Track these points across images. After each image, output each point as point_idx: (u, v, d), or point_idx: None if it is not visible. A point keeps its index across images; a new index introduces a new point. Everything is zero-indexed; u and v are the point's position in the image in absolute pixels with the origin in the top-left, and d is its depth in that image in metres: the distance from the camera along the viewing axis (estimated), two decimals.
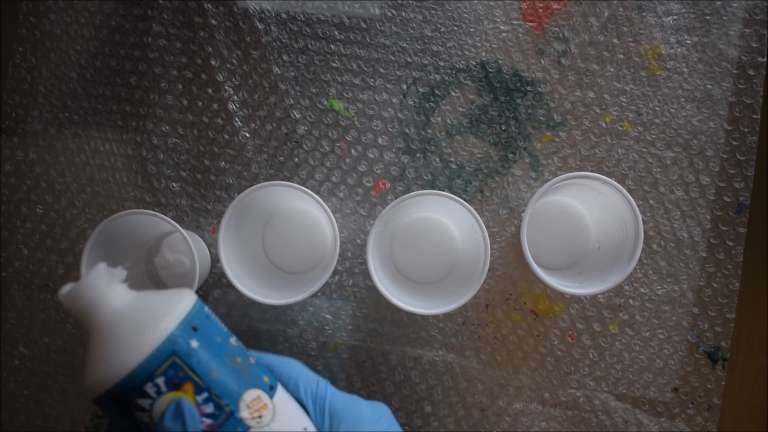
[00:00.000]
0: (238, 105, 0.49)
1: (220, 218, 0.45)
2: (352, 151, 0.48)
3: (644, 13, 0.47)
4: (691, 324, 0.47)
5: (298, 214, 0.48)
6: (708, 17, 0.47)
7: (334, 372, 0.48)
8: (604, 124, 0.48)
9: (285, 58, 0.49)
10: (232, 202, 0.40)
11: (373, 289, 0.42)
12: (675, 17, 0.47)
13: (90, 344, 0.29)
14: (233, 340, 0.32)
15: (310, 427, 0.32)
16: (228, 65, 0.49)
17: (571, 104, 0.48)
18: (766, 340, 0.47)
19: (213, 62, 0.49)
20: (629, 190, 0.46)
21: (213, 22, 0.49)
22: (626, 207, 0.40)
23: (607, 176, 0.40)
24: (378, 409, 0.35)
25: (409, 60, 0.48)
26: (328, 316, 0.48)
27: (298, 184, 0.41)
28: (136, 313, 0.29)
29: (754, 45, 0.47)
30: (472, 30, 0.48)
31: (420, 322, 0.47)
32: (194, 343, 0.29)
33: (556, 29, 0.48)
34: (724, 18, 0.47)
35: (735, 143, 0.47)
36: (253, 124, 0.49)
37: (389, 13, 0.48)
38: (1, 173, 0.49)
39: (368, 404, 0.35)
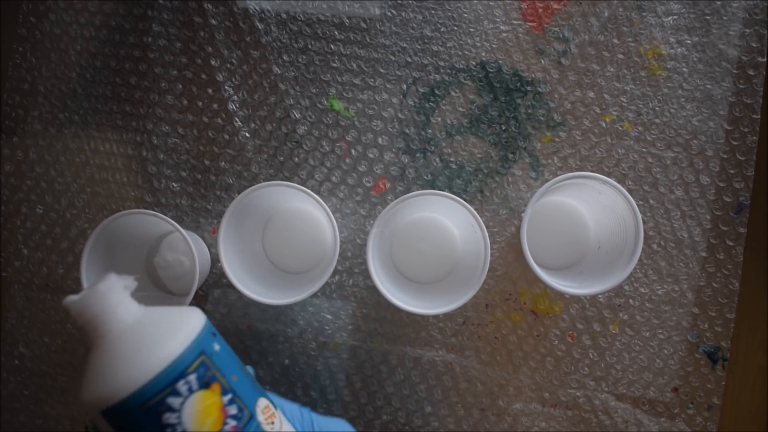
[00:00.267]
0: (238, 105, 0.49)
1: (220, 218, 0.45)
2: (352, 151, 0.48)
3: (644, 13, 0.47)
4: (691, 324, 0.47)
5: (298, 214, 0.48)
6: (708, 17, 0.47)
7: (334, 372, 0.48)
8: (604, 124, 0.48)
9: (285, 58, 0.49)
10: (232, 202, 0.40)
11: (373, 289, 0.42)
12: (675, 17, 0.47)
13: (98, 354, 0.28)
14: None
15: None
16: (228, 65, 0.49)
17: (571, 104, 0.48)
18: (766, 340, 0.47)
19: (213, 62, 0.49)
20: (629, 190, 0.46)
21: (213, 22, 0.49)
22: (626, 207, 0.40)
23: (607, 176, 0.40)
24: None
25: (409, 60, 0.48)
26: (328, 316, 0.48)
27: (298, 184, 0.41)
28: (153, 323, 0.29)
29: (754, 45, 0.47)
30: (472, 30, 0.48)
31: (420, 322, 0.47)
32: (217, 346, 0.30)
33: (556, 29, 0.48)
34: (724, 18, 0.47)
35: (735, 143, 0.47)
36: (253, 124, 0.49)
37: (389, 13, 0.48)
38: (1, 173, 0.49)
39: (349, 425, 0.37)
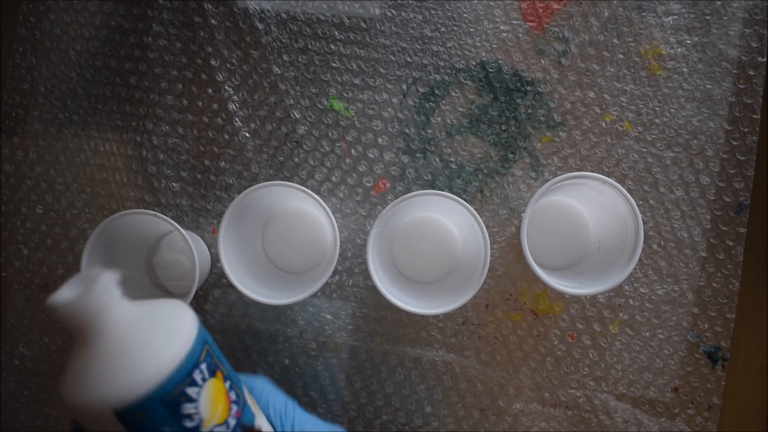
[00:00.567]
0: (238, 105, 0.49)
1: (220, 218, 0.45)
2: (352, 151, 0.48)
3: (644, 13, 0.47)
4: (691, 324, 0.47)
5: (298, 214, 0.48)
6: (708, 17, 0.47)
7: (334, 372, 0.48)
8: (604, 124, 0.48)
9: (285, 58, 0.49)
10: (232, 202, 0.40)
11: (373, 289, 0.42)
12: (675, 17, 0.47)
13: (98, 354, 0.27)
14: None
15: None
16: (228, 65, 0.49)
17: (571, 104, 0.48)
18: (766, 340, 0.47)
19: (213, 62, 0.49)
20: (629, 190, 0.46)
21: (213, 22, 0.49)
22: (626, 207, 0.40)
23: (607, 176, 0.40)
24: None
25: (409, 60, 0.48)
26: (328, 316, 0.48)
27: (298, 184, 0.41)
28: (155, 317, 0.29)
29: (754, 45, 0.47)
30: (472, 30, 0.48)
31: (420, 322, 0.47)
32: (209, 338, 0.30)
33: (556, 29, 0.48)
34: (724, 18, 0.47)
35: (735, 143, 0.47)
36: (253, 124, 0.49)
37: (389, 13, 0.48)
38: (1, 173, 0.49)
39: (328, 426, 0.37)
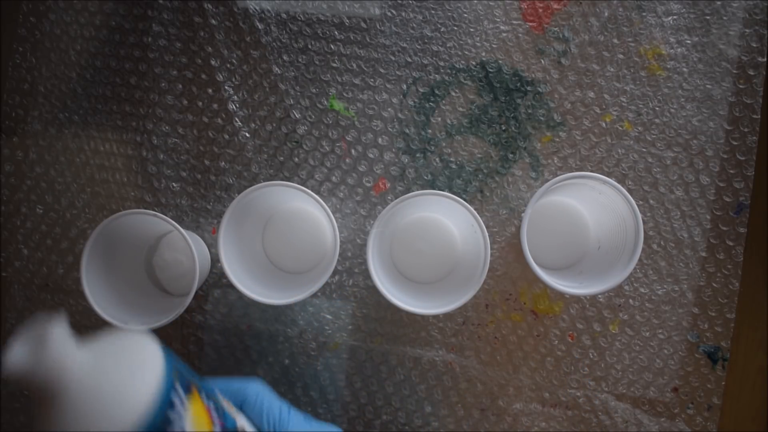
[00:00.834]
0: (238, 105, 0.49)
1: (220, 218, 0.45)
2: (352, 151, 0.48)
3: (644, 13, 0.47)
4: (691, 324, 0.47)
5: (298, 214, 0.48)
6: (708, 17, 0.47)
7: (334, 372, 0.48)
8: (604, 124, 0.48)
9: (285, 58, 0.49)
10: (232, 202, 0.40)
11: (373, 289, 0.42)
12: (675, 17, 0.47)
13: (69, 414, 0.25)
14: None
15: None
16: (228, 65, 0.49)
17: (571, 104, 0.48)
18: (766, 340, 0.47)
19: (213, 62, 0.49)
20: (629, 190, 0.46)
21: (213, 22, 0.49)
22: (626, 207, 0.40)
23: (607, 176, 0.40)
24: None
25: (409, 60, 0.48)
26: (328, 316, 0.48)
27: (298, 184, 0.41)
28: (116, 351, 0.28)
29: (754, 45, 0.47)
30: (472, 30, 0.48)
31: (420, 322, 0.47)
32: (172, 355, 0.30)
33: (556, 29, 0.48)
34: (724, 18, 0.47)
35: (735, 143, 0.47)
36: (253, 124, 0.49)
37: (389, 13, 0.48)
38: (1, 173, 0.49)
39: (323, 425, 0.37)
